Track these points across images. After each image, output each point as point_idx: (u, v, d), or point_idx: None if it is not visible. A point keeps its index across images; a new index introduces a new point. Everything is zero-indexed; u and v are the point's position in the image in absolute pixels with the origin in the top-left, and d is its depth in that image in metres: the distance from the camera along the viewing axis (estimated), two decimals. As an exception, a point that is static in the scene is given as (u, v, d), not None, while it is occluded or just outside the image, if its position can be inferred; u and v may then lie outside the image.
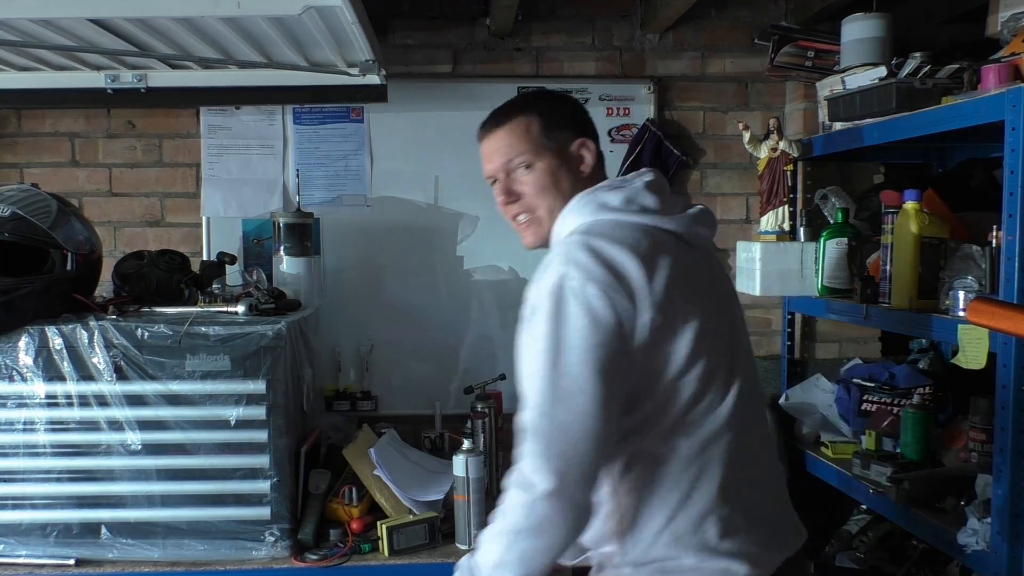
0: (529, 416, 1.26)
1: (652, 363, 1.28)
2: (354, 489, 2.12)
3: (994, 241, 1.75)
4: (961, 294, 1.76)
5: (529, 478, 1.23)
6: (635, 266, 1.27)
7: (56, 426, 1.96)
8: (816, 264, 2.35)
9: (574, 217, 1.41)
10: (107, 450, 1.96)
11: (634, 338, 1.26)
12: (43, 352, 1.94)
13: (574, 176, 1.46)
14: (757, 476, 1.38)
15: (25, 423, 1.95)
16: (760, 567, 1.31)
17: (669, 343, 1.29)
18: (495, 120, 1.49)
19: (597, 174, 1.49)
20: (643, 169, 1.47)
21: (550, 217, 1.46)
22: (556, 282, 1.28)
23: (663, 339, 1.28)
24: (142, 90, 2.48)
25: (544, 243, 1.49)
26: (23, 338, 1.93)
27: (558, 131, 1.47)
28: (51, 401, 1.95)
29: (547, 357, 1.25)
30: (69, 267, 2.00)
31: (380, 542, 2.01)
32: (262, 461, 1.97)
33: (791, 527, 1.42)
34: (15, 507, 1.97)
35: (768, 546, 1.34)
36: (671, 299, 1.28)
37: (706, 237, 1.45)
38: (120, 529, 1.97)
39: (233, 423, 1.95)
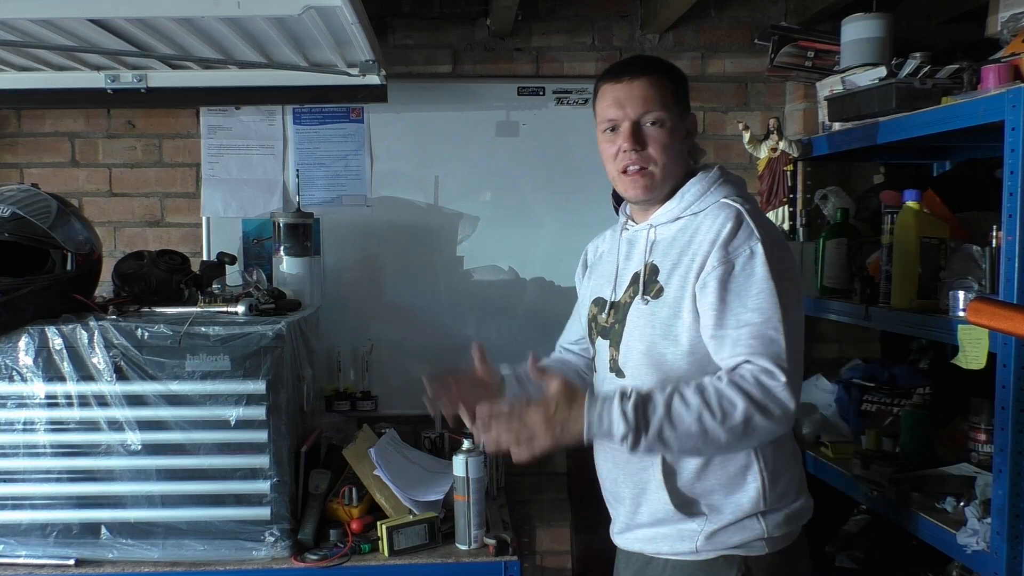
0: (777, 338, 1.41)
1: None
2: (354, 489, 2.12)
3: (994, 241, 1.75)
4: (961, 294, 1.76)
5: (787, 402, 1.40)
6: None
7: (56, 426, 1.95)
8: (816, 264, 2.35)
9: (728, 187, 1.56)
10: (107, 450, 1.96)
11: None
12: (43, 352, 1.94)
13: (684, 146, 1.59)
14: None
15: (25, 423, 1.95)
16: None
17: None
18: (635, 68, 1.56)
19: (693, 150, 1.68)
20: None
21: (664, 175, 1.55)
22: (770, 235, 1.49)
23: None
24: (142, 90, 2.49)
25: (650, 197, 1.57)
26: (23, 338, 1.93)
27: (684, 100, 1.60)
28: (51, 401, 1.95)
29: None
30: (69, 267, 2.00)
31: (380, 542, 2.01)
32: (262, 461, 1.97)
33: None
34: (15, 507, 1.97)
35: None
36: None
37: None
38: (120, 529, 1.97)
39: (233, 423, 1.95)
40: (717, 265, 1.44)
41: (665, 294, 1.51)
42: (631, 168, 1.54)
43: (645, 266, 1.56)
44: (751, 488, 1.50)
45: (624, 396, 1.36)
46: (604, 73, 1.60)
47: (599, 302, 1.67)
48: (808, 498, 1.60)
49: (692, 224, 1.53)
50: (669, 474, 1.51)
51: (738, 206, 1.50)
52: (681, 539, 1.52)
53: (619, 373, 1.58)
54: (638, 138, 1.53)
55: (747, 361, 1.40)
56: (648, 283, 1.54)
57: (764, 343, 1.40)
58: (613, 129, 1.56)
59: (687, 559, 1.52)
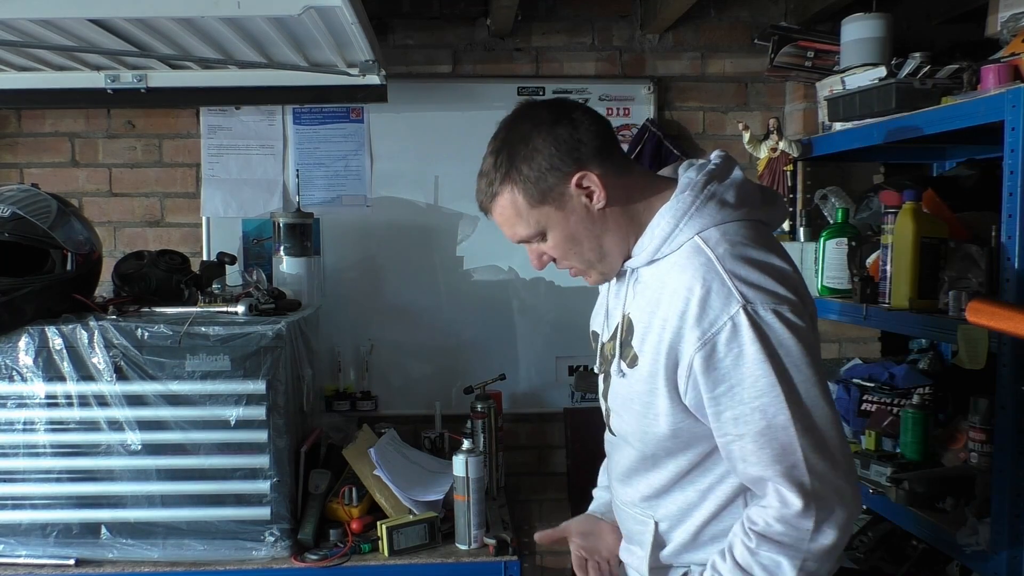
0: (789, 442, 1.16)
1: None
2: (354, 489, 2.11)
3: (994, 241, 1.75)
4: (961, 294, 1.76)
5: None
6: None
7: (56, 426, 1.95)
8: (816, 264, 2.35)
9: (704, 215, 1.24)
10: (107, 450, 1.95)
11: None
12: (43, 352, 1.93)
13: (595, 212, 1.27)
14: None
15: (25, 423, 1.95)
16: None
17: None
18: (482, 199, 1.33)
19: (626, 183, 1.29)
20: (716, 154, 1.34)
21: (601, 259, 1.32)
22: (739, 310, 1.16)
23: None
24: (142, 90, 2.49)
25: (612, 277, 1.36)
26: (23, 338, 1.93)
27: (545, 188, 1.26)
28: (51, 401, 1.94)
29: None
30: (69, 267, 2.00)
31: (380, 542, 2.01)
32: (262, 461, 1.97)
33: None
34: (15, 507, 1.97)
35: None
36: None
37: None
38: (120, 529, 1.96)
39: (233, 423, 1.95)
40: (695, 352, 1.17)
41: (639, 365, 1.27)
42: (570, 273, 1.36)
43: (623, 318, 1.33)
44: None
45: None
46: None
47: (594, 336, 1.49)
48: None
49: (665, 268, 1.26)
50: (660, 545, 1.36)
51: (708, 251, 1.20)
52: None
53: (611, 431, 1.44)
54: (539, 257, 1.34)
55: (762, 497, 1.20)
56: (624, 345, 1.31)
57: (774, 455, 1.16)
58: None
59: None
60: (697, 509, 1.31)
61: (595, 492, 1.65)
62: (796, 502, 1.15)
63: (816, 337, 1.23)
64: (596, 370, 1.46)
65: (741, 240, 1.22)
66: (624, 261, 1.32)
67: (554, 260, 1.34)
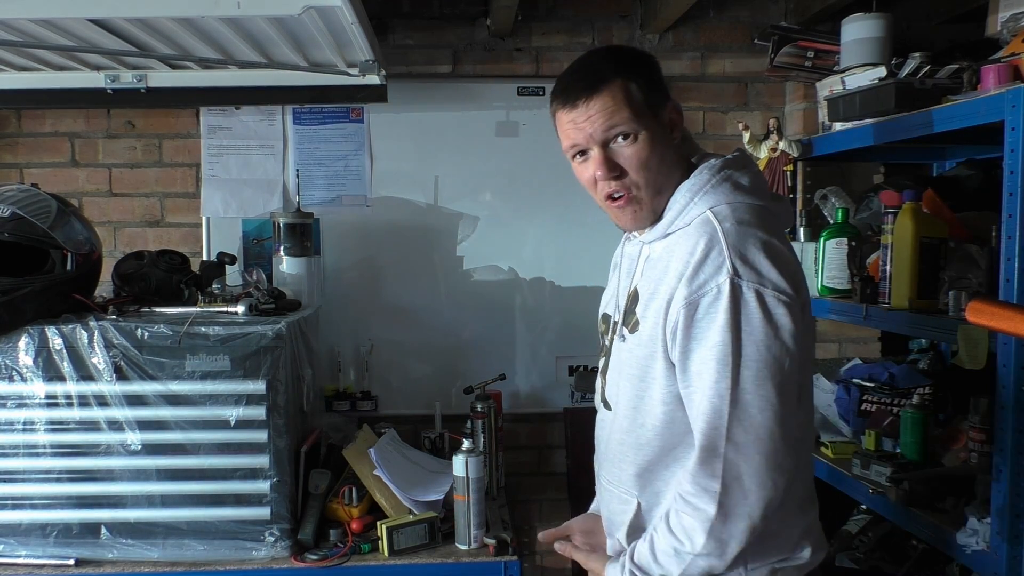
0: (719, 428, 1.24)
1: None
2: (354, 489, 2.11)
3: (994, 241, 1.75)
4: (961, 294, 1.76)
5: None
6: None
7: (56, 426, 1.95)
8: (816, 264, 2.35)
9: (718, 192, 1.31)
10: (107, 450, 1.96)
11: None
12: (43, 352, 1.93)
13: (670, 145, 1.35)
14: None
15: (25, 423, 1.95)
16: None
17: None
18: (586, 84, 1.31)
19: (684, 142, 1.39)
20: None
21: (653, 194, 1.34)
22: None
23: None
24: (142, 90, 2.49)
25: (643, 224, 1.38)
26: (23, 338, 1.93)
27: (657, 90, 1.34)
28: (51, 401, 1.95)
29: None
30: (69, 267, 2.00)
31: (380, 542, 2.01)
32: (262, 461, 1.97)
33: None
34: (15, 507, 1.97)
35: None
36: None
37: None
38: (120, 529, 1.96)
39: (233, 423, 1.95)
40: (681, 308, 1.25)
41: (640, 329, 1.34)
42: (613, 198, 1.35)
43: (631, 292, 1.39)
44: None
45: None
46: (554, 93, 1.37)
47: (605, 319, 1.53)
48: (815, 552, 1.36)
49: (674, 242, 1.32)
50: (637, 528, 1.39)
51: (716, 223, 1.27)
52: None
53: (606, 405, 1.47)
54: (611, 164, 1.32)
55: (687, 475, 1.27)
56: (628, 313, 1.38)
57: (707, 418, 1.23)
58: (582, 154, 1.35)
59: None
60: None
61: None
62: (707, 506, 1.24)
63: (806, 325, 1.29)
64: (600, 350, 1.51)
65: (748, 220, 1.28)
66: (655, 221, 1.37)
67: (611, 178, 1.33)
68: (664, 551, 1.30)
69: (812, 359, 1.42)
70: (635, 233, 1.44)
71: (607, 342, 1.47)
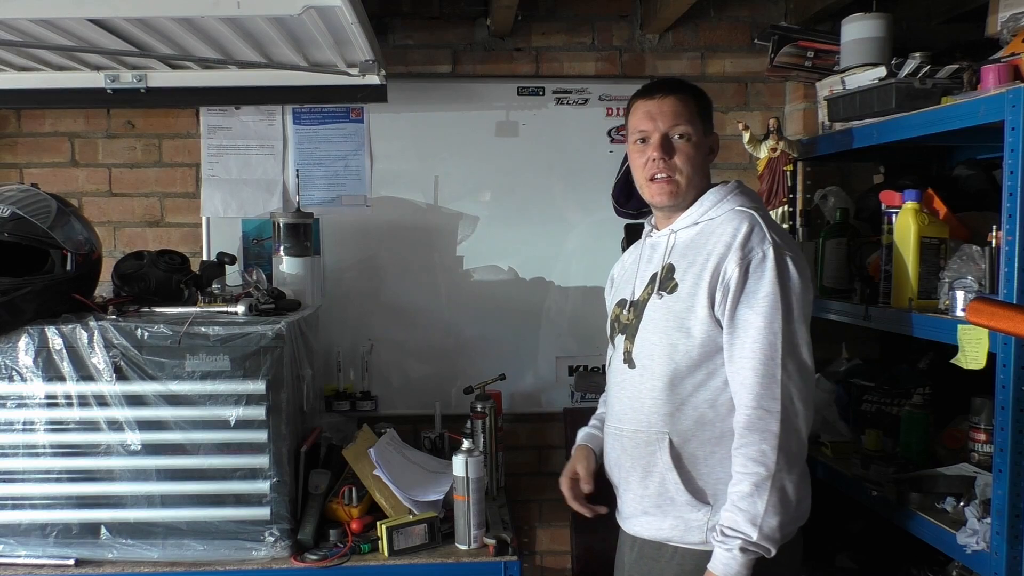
0: (774, 354, 1.56)
1: None
2: (354, 489, 2.11)
3: (994, 241, 1.75)
4: (961, 294, 1.76)
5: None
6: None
7: (56, 426, 1.95)
8: (816, 264, 2.35)
9: (743, 197, 1.70)
10: (107, 450, 1.96)
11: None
12: (43, 352, 1.93)
13: (706, 161, 1.75)
14: None
15: (25, 423, 1.95)
16: None
17: None
18: (667, 87, 1.72)
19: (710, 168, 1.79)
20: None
21: (688, 184, 1.70)
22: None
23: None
24: (142, 90, 2.49)
25: (674, 203, 1.71)
26: (23, 338, 1.93)
27: (708, 120, 1.76)
28: (51, 401, 1.95)
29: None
30: (69, 267, 2.00)
31: (380, 542, 2.01)
32: (262, 461, 1.97)
33: None
34: (15, 507, 1.97)
35: None
36: None
37: None
38: (120, 529, 1.96)
39: (233, 423, 1.95)
40: (735, 267, 1.58)
41: (680, 289, 1.64)
42: (659, 176, 1.69)
43: (663, 267, 1.69)
44: None
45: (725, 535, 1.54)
46: (638, 91, 1.76)
47: (621, 303, 1.80)
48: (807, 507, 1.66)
49: (709, 228, 1.67)
50: (677, 458, 1.62)
51: (752, 212, 1.65)
52: (689, 529, 1.62)
53: (631, 364, 1.70)
54: (667, 148, 1.68)
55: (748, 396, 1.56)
56: (664, 280, 1.68)
57: (764, 363, 1.55)
58: (644, 140, 1.71)
59: (696, 549, 1.61)
60: (708, 420, 1.61)
61: (582, 430, 1.94)
62: (775, 407, 1.54)
63: (811, 297, 1.67)
64: (611, 329, 1.82)
65: (768, 217, 1.70)
66: (681, 209, 1.73)
67: (662, 157, 1.68)
68: (744, 495, 1.52)
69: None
70: (654, 231, 1.80)
71: (627, 316, 1.75)
